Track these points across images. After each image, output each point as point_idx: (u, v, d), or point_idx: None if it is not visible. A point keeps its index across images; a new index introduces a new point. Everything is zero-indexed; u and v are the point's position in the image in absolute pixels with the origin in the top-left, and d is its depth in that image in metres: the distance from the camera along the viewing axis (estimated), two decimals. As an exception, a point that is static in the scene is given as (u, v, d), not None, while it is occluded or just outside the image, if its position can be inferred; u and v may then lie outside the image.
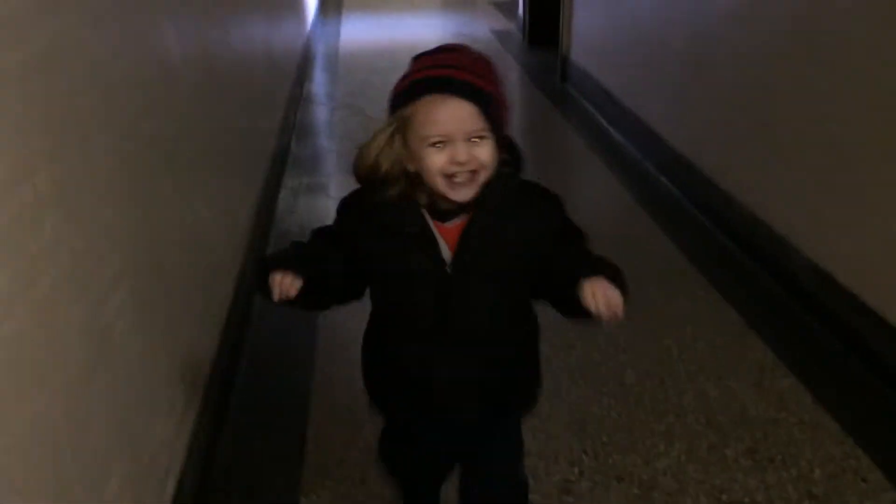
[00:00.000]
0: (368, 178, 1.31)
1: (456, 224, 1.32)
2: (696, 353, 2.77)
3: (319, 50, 8.10)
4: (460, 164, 1.22)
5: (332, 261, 1.35)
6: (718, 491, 2.12)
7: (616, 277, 1.25)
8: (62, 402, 1.27)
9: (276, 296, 1.25)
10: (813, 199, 2.94)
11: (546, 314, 1.47)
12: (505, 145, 1.31)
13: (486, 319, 1.39)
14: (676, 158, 4.13)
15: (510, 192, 1.31)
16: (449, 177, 1.24)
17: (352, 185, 1.38)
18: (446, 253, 1.33)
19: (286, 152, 4.82)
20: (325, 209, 3.98)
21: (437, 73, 1.23)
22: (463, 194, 1.26)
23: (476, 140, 1.23)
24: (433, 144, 1.23)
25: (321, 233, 1.42)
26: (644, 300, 3.09)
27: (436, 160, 1.23)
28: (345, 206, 1.38)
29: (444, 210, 1.32)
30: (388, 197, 1.30)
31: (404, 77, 1.28)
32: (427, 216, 1.32)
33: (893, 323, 2.50)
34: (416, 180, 1.29)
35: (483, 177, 1.26)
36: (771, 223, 3.24)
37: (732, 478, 2.17)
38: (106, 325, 1.50)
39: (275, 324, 2.97)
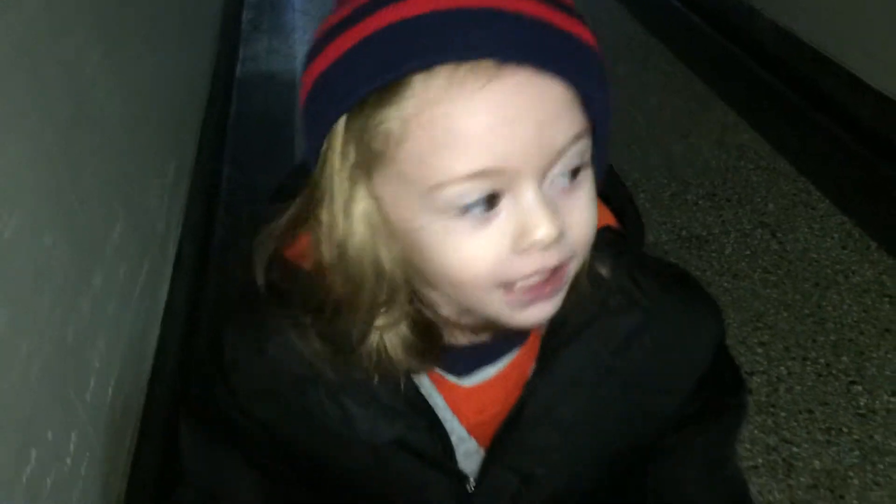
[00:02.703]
0: (305, 297, 0.57)
1: (489, 382, 0.63)
2: (662, 119, 2.89)
3: None
4: (545, 245, 0.50)
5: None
6: (679, 228, 2.30)
7: None
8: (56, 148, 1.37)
9: None
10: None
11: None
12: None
13: None
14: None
15: (622, 303, 0.62)
16: (527, 288, 0.52)
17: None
18: (468, 451, 0.65)
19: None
20: None
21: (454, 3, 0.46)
22: (542, 315, 0.54)
23: (571, 172, 0.51)
24: (469, 209, 0.49)
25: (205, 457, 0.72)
26: (612, 78, 3.17)
27: (477, 250, 0.50)
28: (233, 360, 0.65)
29: (456, 347, 0.61)
30: (359, 353, 0.58)
31: (351, 18, 0.49)
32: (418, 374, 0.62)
33: (851, 69, 2.60)
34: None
35: (577, 267, 0.55)
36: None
37: (692, 217, 2.34)
38: (85, 85, 1.58)
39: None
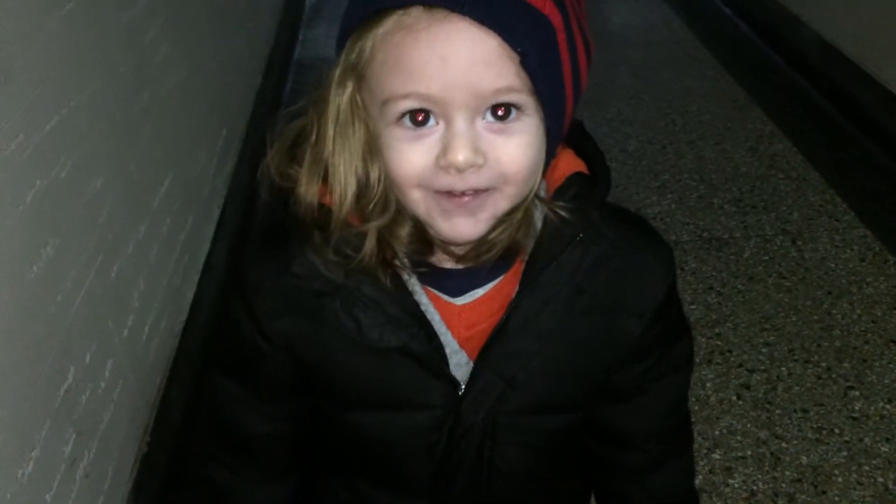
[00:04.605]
0: (306, 208, 0.67)
1: (478, 300, 0.73)
2: (700, 123, 2.94)
3: None
4: (458, 167, 0.60)
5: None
6: (701, 230, 2.36)
7: None
8: (115, 104, 1.51)
9: None
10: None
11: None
12: (570, 138, 0.70)
13: (520, 485, 0.84)
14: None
15: (592, 237, 0.71)
16: (441, 193, 0.63)
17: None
18: (459, 362, 0.75)
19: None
20: None
21: None
22: (464, 229, 0.64)
23: (500, 115, 0.61)
24: (401, 119, 0.61)
25: (227, 371, 0.83)
26: (655, 80, 3.23)
27: (408, 156, 0.62)
28: (258, 280, 0.74)
29: (446, 268, 0.71)
30: (358, 256, 0.67)
31: None
32: (415, 282, 0.72)
33: (889, 87, 2.62)
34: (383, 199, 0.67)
35: (510, 197, 0.64)
36: (782, 1, 3.31)
37: (716, 220, 2.40)
38: (146, 45, 1.72)
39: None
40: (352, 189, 0.65)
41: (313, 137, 0.66)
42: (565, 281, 0.71)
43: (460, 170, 0.60)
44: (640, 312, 0.75)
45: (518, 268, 0.72)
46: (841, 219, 2.36)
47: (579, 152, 0.72)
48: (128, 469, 1.41)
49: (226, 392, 0.83)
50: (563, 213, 0.68)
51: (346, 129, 0.64)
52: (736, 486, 1.60)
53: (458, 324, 0.73)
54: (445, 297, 0.72)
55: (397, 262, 0.69)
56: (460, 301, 0.73)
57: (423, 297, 0.72)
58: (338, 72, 0.64)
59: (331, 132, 0.65)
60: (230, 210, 2.21)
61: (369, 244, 0.67)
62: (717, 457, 1.66)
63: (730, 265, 2.20)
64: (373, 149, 0.64)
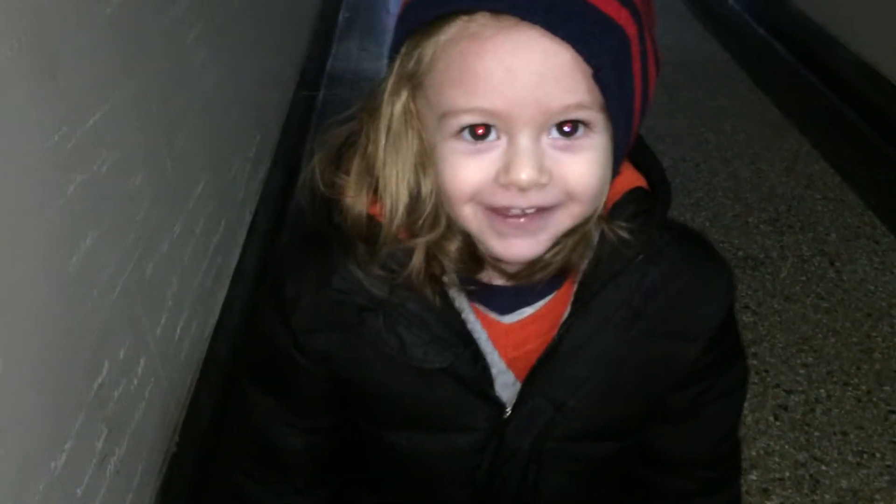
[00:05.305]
0: (353, 220, 0.65)
1: (526, 319, 0.70)
2: (734, 142, 2.91)
3: None
4: (521, 186, 0.57)
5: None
6: (736, 248, 2.32)
7: None
8: (155, 104, 1.52)
9: None
10: (866, -5, 2.97)
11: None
12: (633, 153, 0.67)
13: None
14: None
15: (651, 257, 0.67)
16: (495, 211, 0.60)
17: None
18: (506, 382, 0.72)
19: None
20: None
21: None
22: (520, 249, 0.61)
23: (566, 131, 0.57)
24: (460, 132, 0.58)
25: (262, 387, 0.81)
26: (688, 98, 3.20)
27: (465, 171, 0.58)
28: (296, 293, 0.71)
29: (494, 285, 0.68)
30: (405, 272, 0.65)
31: None
32: (462, 299, 0.68)
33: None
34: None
35: (573, 217, 0.61)
36: (818, 20, 3.28)
37: (751, 239, 2.36)
38: (186, 49, 1.73)
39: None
40: (403, 202, 0.62)
41: (364, 146, 0.63)
42: (621, 304, 0.68)
43: (523, 189, 0.57)
44: (698, 335, 0.72)
45: (570, 287, 0.68)
46: (881, 241, 2.32)
47: (638, 166, 0.68)
48: (157, 468, 1.40)
49: (257, 403, 0.81)
50: (622, 232, 0.64)
51: (399, 138, 0.61)
52: (773, 508, 1.56)
53: (505, 343, 0.70)
54: (493, 315, 0.69)
55: (445, 279, 0.66)
56: (508, 320, 0.69)
57: (471, 314, 0.69)
58: (392, 79, 0.60)
59: (382, 141, 0.61)
60: (262, 216, 2.22)
61: (417, 259, 0.64)
62: (754, 478, 1.61)
63: (766, 284, 2.16)
64: (426, 161, 0.61)
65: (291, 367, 0.74)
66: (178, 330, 1.55)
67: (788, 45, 3.51)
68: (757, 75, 3.39)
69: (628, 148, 0.62)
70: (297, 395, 0.78)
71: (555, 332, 0.68)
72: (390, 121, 0.61)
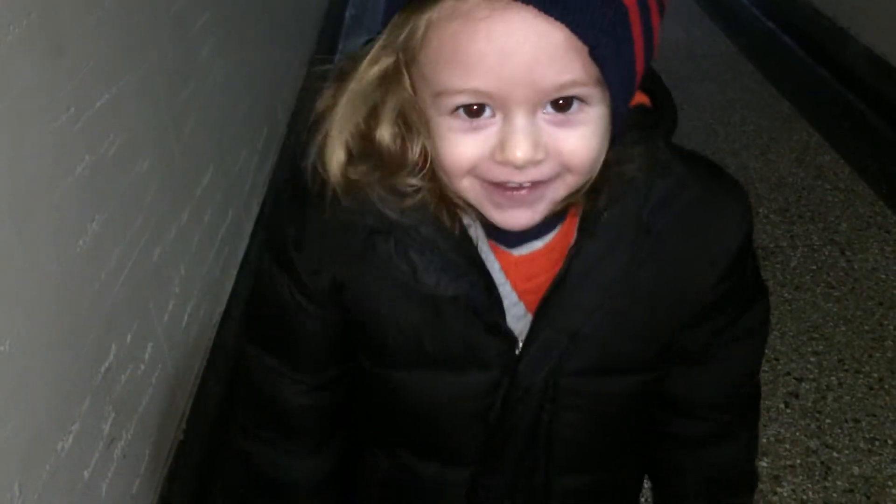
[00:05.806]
0: (343, 173, 0.64)
1: (536, 252, 0.69)
2: (743, 134, 2.89)
3: None
4: (517, 164, 0.57)
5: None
6: (746, 238, 2.30)
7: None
8: (163, 91, 1.52)
9: None
10: (875, -14, 2.95)
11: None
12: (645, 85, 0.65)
13: (579, 457, 0.79)
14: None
15: (658, 170, 0.65)
16: (494, 185, 0.60)
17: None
18: (517, 315, 0.70)
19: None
20: None
21: None
22: (519, 219, 0.62)
23: (561, 104, 0.57)
24: (455, 111, 0.58)
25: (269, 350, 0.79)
26: (697, 92, 3.19)
27: (462, 148, 0.59)
28: (298, 233, 0.70)
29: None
30: (398, 208, 0.64)
31: None
32: (479, 231, 0.68)
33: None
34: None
35: (569, 186, 0.61)
36: (827, 12, 3.26)
37: (761, 229, 2.34)
38: (193, 36, 1.73)
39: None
40: (340, 160, 0.62)
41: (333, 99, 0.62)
42: (629, 221, 0.65)
43: (518, 166, 0.56)
44: (713, 261, 0.68)
45: (576, 216, 0.67)
46: (891, 230, 2.30)
47: (641, 85, 0.62)
48: (164, 455, 1.40)
49: (260, 364, 0.79)
50: (626, 150, 0.62)
51: (358, 98, 0.61)
52: (785, 494, 1.55)
53: (515, 275, 0.69)
54: (503, 248, 0.68)
55: (459, 203, 0.64)
56: (518, 252, 0.68)
57: (484, 244, 0.67)
58: (376, 46, 0.59)
59: (343, 99, 0.61)
60: (269, 207, 2.21)
61: (411, 199, 0.63)
62: (765, 464, 1.60)
63: (776, 274, 2.14)
64: (414, 122, 0.60)
65: (296, 314, 0.73)
66: (186, 317, 1.55)
67: (797, 37, 3.49)
68: (766, 68, 3.37)
69: (629, 109, 0.61)
70: (300, 349, 0.77)
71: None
72: (360, 84, 0.60)
